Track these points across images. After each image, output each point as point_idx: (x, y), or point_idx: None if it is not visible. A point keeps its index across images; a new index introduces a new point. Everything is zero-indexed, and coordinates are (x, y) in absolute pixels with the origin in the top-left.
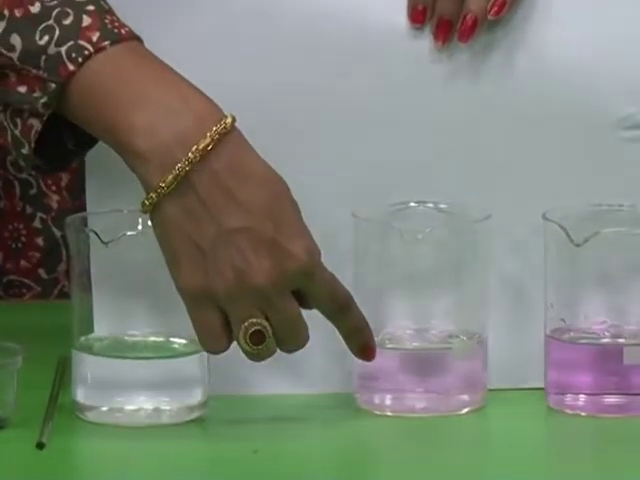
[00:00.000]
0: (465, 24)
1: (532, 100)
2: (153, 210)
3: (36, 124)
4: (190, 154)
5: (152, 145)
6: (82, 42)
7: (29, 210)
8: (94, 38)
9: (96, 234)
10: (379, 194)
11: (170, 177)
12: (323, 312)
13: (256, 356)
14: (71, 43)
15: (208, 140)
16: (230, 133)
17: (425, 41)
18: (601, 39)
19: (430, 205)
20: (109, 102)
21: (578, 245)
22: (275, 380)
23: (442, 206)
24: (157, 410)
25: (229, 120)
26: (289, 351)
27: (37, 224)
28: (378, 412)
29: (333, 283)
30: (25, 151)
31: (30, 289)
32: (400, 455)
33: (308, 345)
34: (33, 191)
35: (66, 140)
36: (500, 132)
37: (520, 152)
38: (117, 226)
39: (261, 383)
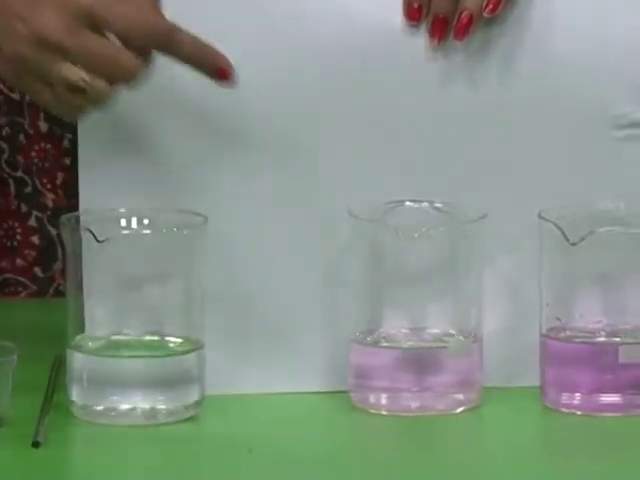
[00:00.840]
0: (460, 22)
1: (527, 100)
2: None
3: None
4: None
5: None
6: None
7: (24, 209)
8: None
9: (91, 232)
10: (375, 193)
11: None
12: (142, 47)
13: (94, 101)
14: None
15: None
16: None
17: (421, 39)
18: (597, 39)
19: (426, 204)
20: None
21: (574, 244)
22: (269, 379)
23: (438, 205)
24: (153, 409)
25: None
26: (127, 82)
27: (32, 222)
28: (373, 411)
29: (135, 15)
30: None
31: (26, 287)
32: (395, 454)
33: (303, 343)
34: (28, 189)
35: None
36: (496, 131)
37: (515, 151)
38: (111, 225)
39: (256, 382)
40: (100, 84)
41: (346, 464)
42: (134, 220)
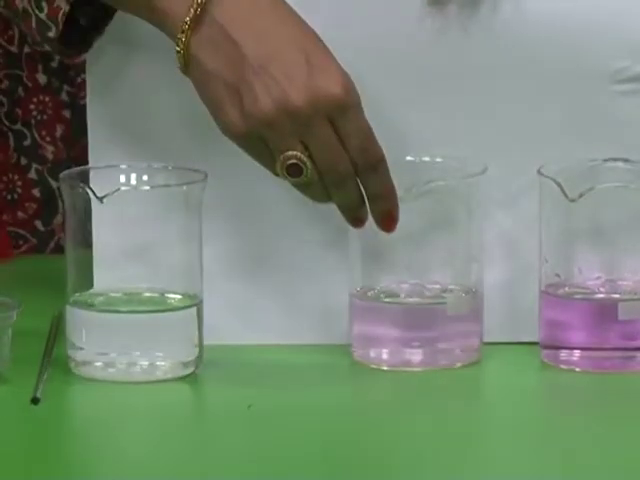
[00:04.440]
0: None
1: (527, 55)
2: (185, 59)
3: (64, 5)
4: None
5: None
6: None
7: (24, 161)
8: None
9: (91, 190)
10: None
11: (191, 12)
12: (352, 161)
13: (301, 187)
14: None
15: None
16: None
17: None
18: None
19: (426, 159)
20: None
21: (573, 200)
22: (270, 330)
23: (438, 160)
24: (152, 365)
25: None
26: (330, 188)
27: (33, 175)
28: (374, 366)
29: (368, 133)
30: (52, 34)
31: (26, 241)
32: (395, 409)
33: (305, 296)
34: (27, 142)
35: (79, 16)
36: (496, 86)
37: (516, 106)
38: (114, 181)
39: (256, 333)
40: (314, 177)
41: (347, 419)
42: (133, 176)
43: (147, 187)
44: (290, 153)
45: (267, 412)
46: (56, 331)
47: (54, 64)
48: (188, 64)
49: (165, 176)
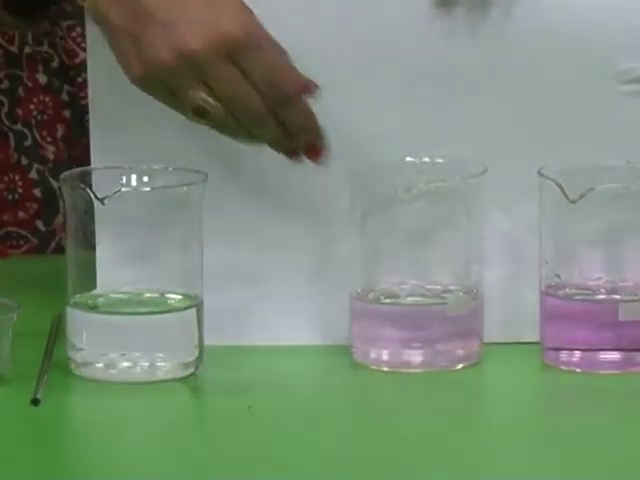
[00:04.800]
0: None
1: (530, 55)
2: (95, 15)
3: None
4: None
5: None
6: None
7: (25, 161)
8: None
9: (91, 190)
10: (375, 149)
11: None
12: (264, 99)
13: (218, 128)
14: None
15: None
16: None
17: None
18: None
19: (426, 159)
20: None
21: (573, 201)
22: (270, 331)
23: (438, 160)
24: (152, 366)
25: None
26: (248, 127)
27: (34, 175)
28: (374, 367)
29: (275, 67)
30: None
31: (27, 241)
32: (396, 410)
33: (305, 298)
34: (28, 142)
35: None
36: (498, 87)
37: (518, 107)
38: (115, 182)
39: (256, 334)
40: (222, 116)
41: (347, 421)
42: (134, 177)
43: (148, 188)
44: (193, 95)
45: (267, 413)
46: (56, 332)
47: (54, 64)
48: (98, 20)
49: (166, 177)
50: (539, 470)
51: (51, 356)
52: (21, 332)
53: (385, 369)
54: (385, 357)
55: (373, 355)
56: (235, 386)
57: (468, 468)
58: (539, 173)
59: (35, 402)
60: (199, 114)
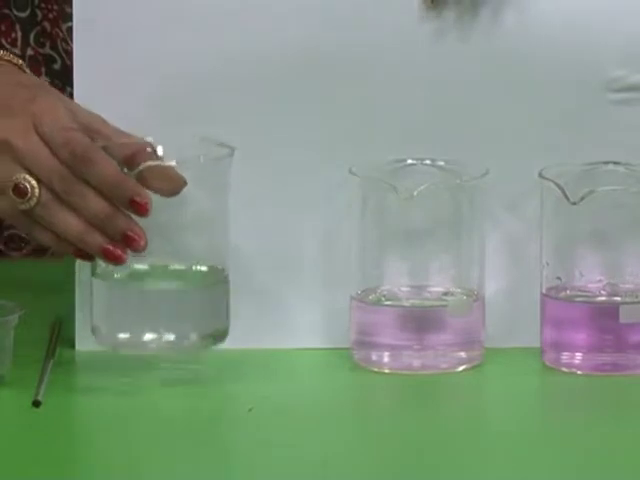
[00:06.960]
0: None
1: (524, 62)
2: None
3: None
4: None
5: None
6: None
7: None
8: None
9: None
10: (377, 151)
11: None
12: (66, 164)
13: (38, 209)
14: None
15: None
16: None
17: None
18: (593, 2)
19: (427, 162)
20: None
21: (574, 203)
22: (270, 333)
23: (440, 163)
24: (179, 338)
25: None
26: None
27: None
28: (375, 369)
29: (65, 128)
30: None
31: (28, 244)
32: (397, 412)
33: (305, 300)
34: None
35: None
36: (497, 90)
37: (517, 110)
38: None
39: (256, 337)
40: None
41: (348, 422)
42: (160, 149)
43: (174, 162)
44: (9, 179)
45: (268, 415)
46: (57, 334)
47: (57, 66)
48: None
49: (192, 149)
50: (540, 472)
51: (52, 357)
52: (22, 334)
53: (386, 371)
54: (386, 359)
55: (374, 357)
56: (236, 388)
57: (469, 470)
58: (540, 175)
59: (36, 404)
60: (20, 193)
